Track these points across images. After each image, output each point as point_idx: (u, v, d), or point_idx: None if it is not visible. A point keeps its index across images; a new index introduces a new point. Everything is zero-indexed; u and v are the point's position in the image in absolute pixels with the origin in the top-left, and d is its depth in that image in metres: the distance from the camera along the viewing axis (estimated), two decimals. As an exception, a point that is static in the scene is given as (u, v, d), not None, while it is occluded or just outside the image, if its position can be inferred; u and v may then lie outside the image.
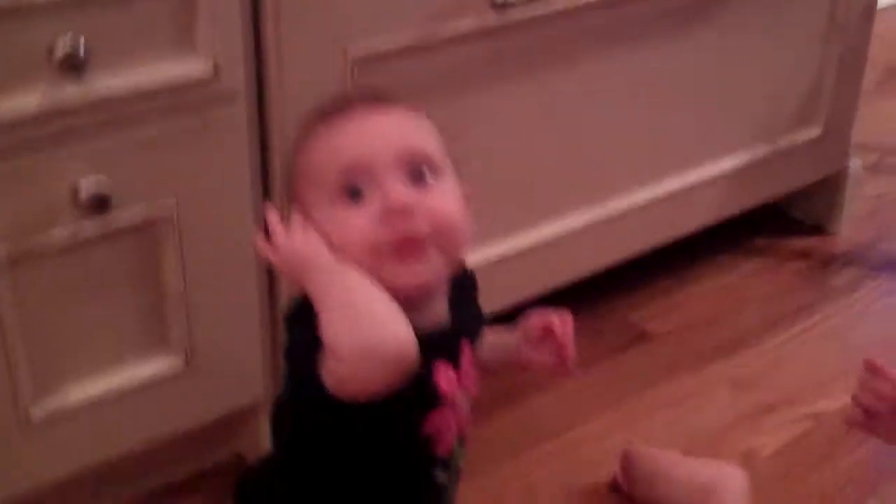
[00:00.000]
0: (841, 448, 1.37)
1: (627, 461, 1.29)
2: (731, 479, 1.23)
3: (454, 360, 0.90)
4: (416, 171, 0.86)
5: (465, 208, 0.89)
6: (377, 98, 0.90)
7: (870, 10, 1.67)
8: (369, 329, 0.79)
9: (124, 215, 1.02)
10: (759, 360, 1.54)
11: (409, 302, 0.83)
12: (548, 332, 0.98)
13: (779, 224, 1.88)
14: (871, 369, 1.05)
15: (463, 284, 0.95)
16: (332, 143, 0.87)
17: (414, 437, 0.90)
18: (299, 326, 0.85)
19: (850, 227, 1.85)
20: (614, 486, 1.30)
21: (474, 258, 1.10)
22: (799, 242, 1.83)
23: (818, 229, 1.86)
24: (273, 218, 0.86)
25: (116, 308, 1.08)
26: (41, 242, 0.99)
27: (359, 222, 0.84)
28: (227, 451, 1.30)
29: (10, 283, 0.99)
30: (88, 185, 0.98)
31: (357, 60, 1.12)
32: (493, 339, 1.01)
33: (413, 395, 0.85)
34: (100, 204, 0.98)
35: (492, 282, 1.04)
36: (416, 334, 0.80)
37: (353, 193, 0.85)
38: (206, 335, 1.13)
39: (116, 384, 1.10)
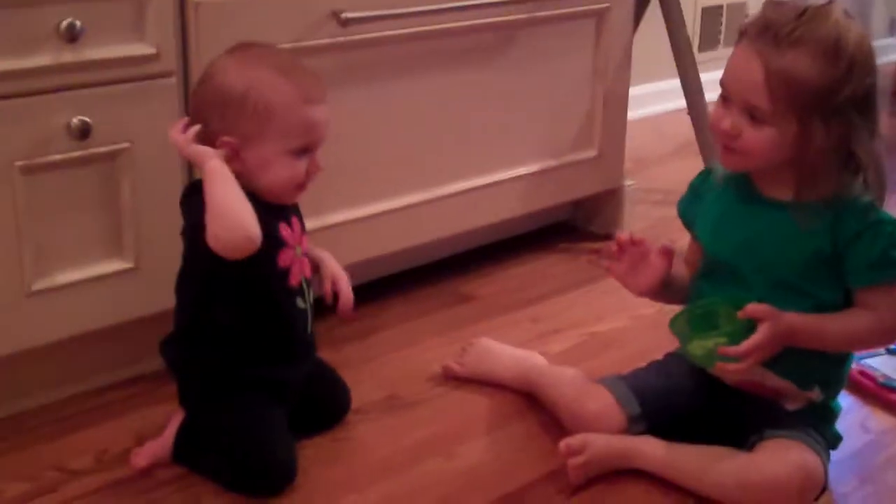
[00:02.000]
0: (604, 353, 1.92)
1: (466, 348, 1.82)
2: (536, 357, 1.79)
3: (289, 223, 1.50)
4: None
5: None
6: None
7: (626, 59, 2.29)
8: (232, 230, 1.38)
9: (98, 147, 1.54)
10: (553, 307, 2.10)
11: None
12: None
13: (576, 234, 2.47)
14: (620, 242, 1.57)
15: None
16: (308, 116, 1.46)
17: (273, 269, 1.47)
18: (190, 209, 1.43)
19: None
20: (446, 371, 1.82)
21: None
22: (591, 244, 2.42)
23: (607, 237, 2.43)
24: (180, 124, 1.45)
25: (89, 218, 1.57)
26: (44, 160, 1.50)
27: (299, 171, 1.46)
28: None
29: (22, 189, 1.49)
30: (77, 122, 1.50)
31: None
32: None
33: (267, 241, 1.43)
34: (83, 133, 1.50)
35: (338, 242, 1.68)
36: (272, 204, 1.44)
37: (302, 153, 1.46)
38: (151, 245, 1.63)
39: (89, 274, 1.58)
